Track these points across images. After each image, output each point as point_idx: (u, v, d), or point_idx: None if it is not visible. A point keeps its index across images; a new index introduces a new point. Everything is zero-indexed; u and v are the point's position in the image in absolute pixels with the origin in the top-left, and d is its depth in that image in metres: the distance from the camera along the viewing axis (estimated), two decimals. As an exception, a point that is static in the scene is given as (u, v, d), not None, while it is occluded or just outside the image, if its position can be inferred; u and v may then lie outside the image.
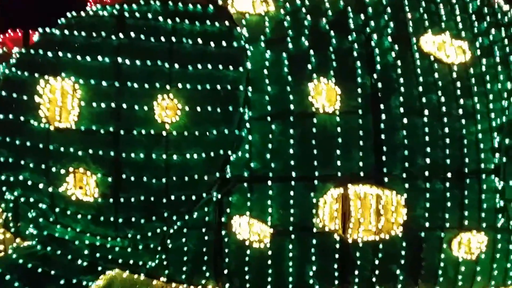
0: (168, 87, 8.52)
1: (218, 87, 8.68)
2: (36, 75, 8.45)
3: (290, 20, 9.51)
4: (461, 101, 9.50)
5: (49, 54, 8.50)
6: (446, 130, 9.30)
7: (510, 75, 9.97)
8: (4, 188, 8.54)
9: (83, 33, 8.52)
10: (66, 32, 8.57)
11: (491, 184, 9.46)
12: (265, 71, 9.18)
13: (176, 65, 8.55)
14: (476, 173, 9.36)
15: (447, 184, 9.22)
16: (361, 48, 9.40)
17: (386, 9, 9.76)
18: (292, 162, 8.95)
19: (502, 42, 10.70)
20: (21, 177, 8.46)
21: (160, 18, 8.72)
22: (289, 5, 9.67)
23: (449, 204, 9.25)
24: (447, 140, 9.29)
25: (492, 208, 9.47)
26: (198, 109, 8.60)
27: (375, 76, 9.26)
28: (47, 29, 8.98)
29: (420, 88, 9.37)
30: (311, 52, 9.28)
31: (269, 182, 8.87)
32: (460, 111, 9.42)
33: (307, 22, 9.52)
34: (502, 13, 11.40)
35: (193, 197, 8.64)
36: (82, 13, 9.00)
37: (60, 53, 8.47)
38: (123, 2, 9.33)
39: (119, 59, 8.50)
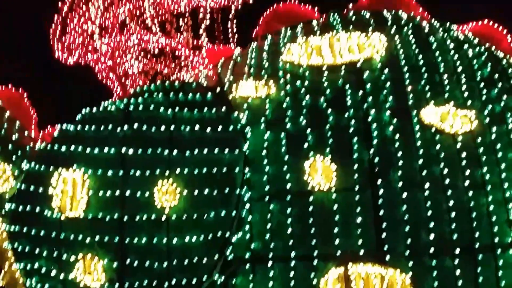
0: (167, 172, 6.96)
1: (215, 170, 6.99)
2: (51, 168, 7.23)
3: (290, 100, 7.62)
4: (468, 172, 7.02)
5: (63, 148, 7.27)
6: (451, 203, 6.86)
7: None
8: (24, 276, 7.21)
9: (93, 127, 7.28)
10: (79, 127, 7.34)
11: (510, 259, 6.81)
12: (264, 152, 7.29)
13: (175, 151, 7.03)
14: (491, 248, 6.79)
15: (457, 261, 6.71)
16: (359, 123, 7.29)
17: (386, 84, 7.61)
18: (291, 242, 6.92)
19: None
20: (36, 265, 7.14)
21: (162, 109, 7.29)
22: (290, 86, 7.77)
23: (461, 282, 6.69)
24: (453, 214, 6.81)
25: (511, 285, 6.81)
26: (196, 192, 6.91)
27: (371, 151, 7.15)
28: (64, 125, 7.60)
29: (421, 161, 7.03)
30: (308, 130, 7.31)
31: (270, 263, 6.91)
32: (467, 182, 6.99)
33: (305, 101, 7.57)
34: None
35: (194, 280, 6.82)
36: (94, 109, 8.27)
37: (73, 147, 7.23)
38: (131, 96, 8.40)
39: (124, 149, 7.10)
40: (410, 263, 6.74)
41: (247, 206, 7.18)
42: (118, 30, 9.87)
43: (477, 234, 6.85)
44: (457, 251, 6.76)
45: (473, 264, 6.77)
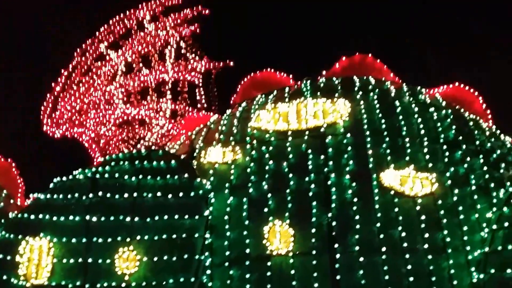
0: (128, 239, 7.02)
1: (175, 236, 7.01)
2: (20, 236, 7.28)
3: (254, 166, 7.76)
4: (427, 235, 6.93)
5: (32, 216, 7.37)
6: (410, 267, 6.74)
7: (492, 203, 7.34)
8: None
9: (61, 195, 7.40)
10: (49, 195, 7.46)
11: None
12: (226, 217, 7.36)
13: (137, 218, 7.11)
14: None
15: None
16: (319, 188, 7.33)
17: (347, 148, 7.76)
18: (250, 308, 6.66)
19: (482, 169, 7.91)
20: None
21: (127, 176, 7.44)
22: (255, 152, 7.93)
23: None
24: (412, 278, 6.69)
25: None
26: (156, 258, 6.92)
27: (330, 215, 7.13)
28: (37, 194, 8.49)
29: (379, 224, 6.98)
30: (270, 195, 7.38)
31: (230, 330, 6.62)
32: (427, 245, 6.88)
33: (269, 166, 7.69)
34: (486, 139, 9.29)
35: None
36: (65, 178, 8.44)
37: (41, 215, 7.33)
38: (99, 165, 8.64)
39: (88, 217, 7.21)
40: (368, 330, 6.57)
41: (208, 272, 7.17)
42: (104, 105, 10.44)
43: (440, 300, 6.66)
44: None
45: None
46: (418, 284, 6.72)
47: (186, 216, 7.22)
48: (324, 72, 9.93)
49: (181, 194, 7.37)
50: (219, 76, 12.58)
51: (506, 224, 6.94)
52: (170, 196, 7.36)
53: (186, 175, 7.52)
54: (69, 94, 10.54)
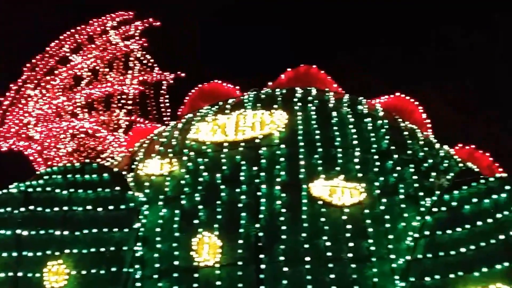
0: (58, 253, 7.02)
1: (103, 249, 7.04)
2: None
3: (189, 177, 7.78)
4: (353, 244, 7.00)
5: None
6: (333, 276, 6.80)
7: (420, 212, 7.38)
8: None
9: None
10: None
11: None
12: (158, 229, 7.35)
13: (67, 232, 7.13)
14: None
15: None
16: (249, 199, 7.38)
17: (280, 159, 7.79)
18: (178, 319, 6.67)
19: (412, 178, 7.89)
20: None
21: (59, 189, 7.44)
22: (192, 164, 7.96)
23: None
24: (334, 287, 6.74)
25: None
26: (84, 272, 6.94)
27: (257, 225, 7.16)
28: None
29: (305, 234, 7.04)
30: (201, 206, 7.42)
31: None
32: (352, 254, 6.95)
33: (203, 178, 7.73)
34: (420, 148, 9.38)
35: None
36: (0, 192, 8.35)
37: None
38: (33, 178, 8.63)
39: (18, 231, 7.17)
40: None
41: (139, 284, 7.17)
42: (50, 119, 10.47)
43: (360, 307, 6.73)
44: (337, 324, 6.63)
45: (357, 338, 6.62)
46: (341, 294, 6.79)
47: (116, 229, 7.24)
48: (270, 83, 10.04)
49: (111, 207, 7.39)
50: (174, 87, 12.68)
51: (427, 232, 7.05)
52: (100, 209, 7.37)
53: (118, 188, 7.54)
54: (18, 107, 10.57)
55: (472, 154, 9.54)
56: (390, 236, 7.24)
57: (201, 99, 10.10)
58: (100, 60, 10.62)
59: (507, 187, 7.08)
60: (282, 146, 8.12)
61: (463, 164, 8.74)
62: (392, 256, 7.08)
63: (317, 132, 8.35)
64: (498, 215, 6.88)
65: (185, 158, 8.25)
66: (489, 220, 6.85)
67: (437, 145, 9.09)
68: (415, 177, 7.94)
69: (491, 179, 7.24)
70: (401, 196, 7.65)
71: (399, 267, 7.02)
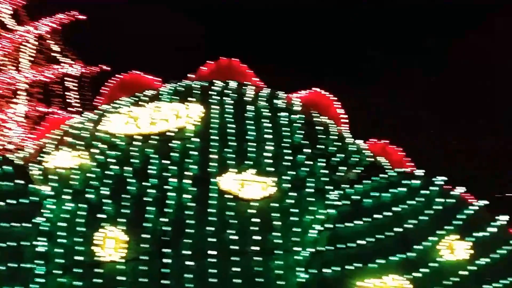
0: None
1: (3, 244, 6.81)
2: None
3: (98, 170, 7.64)
4: (258, 237, 7.06)
5: None
6: (237, 269, 6.86)
7: (327, 205, 7.50)
8: None
9: None
10: None
11: None
12: (64, 223, 7.15)
13: None
14: None
15: None
16: (158, 192, 7.33)
17: (192, 153, 7.78)
18: (81, 315, 6.56)
19: (321, 172, 8.04)
20: None
21: None
22: (101, 156, 7.81)
23: None
24: (240, 280, 6.80)
25: None
26: None
27: (164, 220, 7.13)
28: None
29: (211, 228, 7.07)
30: (108, 201, 7.29)
31: None
32: (256, 247, 7.01)
33: (112, 171, 7.61)
34: (332, 143, 9.65)
35: None
36: None
37: None
38: None
39: None
40: (192, 332, 6.66)
41: (42, 280, 6.99)
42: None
43: (262, 300, 6.86)
44: (239, 317, 6.73)
45: (259, 330, 6.75)
46: (245, 285, 6.88)
47: (16, 224, 7.00)
48: (191, 76, 9.96)
49: (13, 201, 7.14)
50: (99, 80, 12.38)
51: (329, 225, 7.26)
52: (1, 203, 7.11)
53: (20, 181, 7.29)
54: None
55: (384, 148, 9.87)
56: (296, 229, 7.39)
57: (120, 90, 9.90)
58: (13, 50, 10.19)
59: (406, 182, 7.40)
60: (195, 139, 8.11)
61: (372, 159, 9.02)
62: (297, 249, 7.23)
63: (232, 126, 8.39)
64: (396, 209, 7.18)
65: (95, 150, 8.08)
66: (387, 213, 7.13)
67: (350, 140, 9.33)
68: (324, 171, 8.13)
69: (392, 173, 7.54)
70: (310, 190, 7.81)
71: (303, 259, 7.18)
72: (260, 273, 6.99)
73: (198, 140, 8.09)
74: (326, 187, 7.94)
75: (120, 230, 7.13)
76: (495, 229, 7.06)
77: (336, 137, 9.10)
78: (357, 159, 8.81)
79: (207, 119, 8.46)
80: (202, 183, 7.57)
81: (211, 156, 7.86)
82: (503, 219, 7.25)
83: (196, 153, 7.91)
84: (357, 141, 9.47)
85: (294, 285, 7.01)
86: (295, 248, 7.26)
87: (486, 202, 7.46)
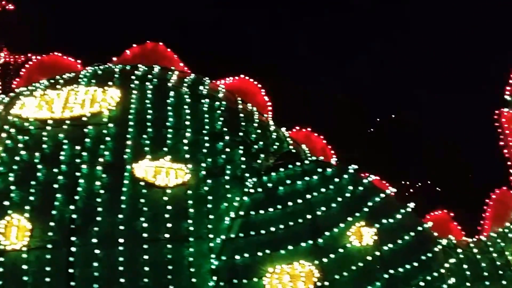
0: None
1: None
2: None
3: (6, 156, 7.34)
4: (171, 225, 7.02)
5: None
6: (146, 256, 6.81)
7: (244, 192, 7.55)
8: None
9: None
10: None
11: None
12: None
13: None
14: None
15: None
16: (67, 179, 7.14)
17: (106, 139, 7.59)
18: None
19: (240, 160, 8.01)
20: None
21: None
22: (11, 141, 7.51)
23: None
24: (147, 268, 6.77)
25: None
26: None
27: (72, 207, 6.96)
28: None
29: (121, 216, 6.96)
30: (13, 187, 7.05)
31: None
32: (168, 235, 6.97)
33: (21, 157, 7.32)
34: (254, 130, 9.67)
35: None
36: None
37: None
38: None
39: None
40: (98, 321, 6.57)
41: None
42: None
43: (174, 287, 6.84)
44: (148, 304, 6.69)
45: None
46: (156, 273, 6.85)
47: None
48: (114, 59, 9.70)
49: None
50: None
51: (242, 212, 7.30)
52: None
53: None
54: None
55: (308, 136, 10.01)
56: (211, 216, 7.39)
57: (39, 72, 9.53)
58: None
59: (319, 170, 7.52)
60: (110, 125, 7.92)
61: (293, 147, 9.11)
62: (211, 236, 7.24)
63: (150, 111, 8.24)
64: (308, 196, 7.30)
65: (4, 135, 7.76)
66: (300, 201, 7.24)
67: (272, 128, 9.38)
68: (243, 158, 8.14)
69: (306, 161, 7.65)
70: (227, 177, 7.81)
71: (216, 246, 7.20)
72: (171, 260, 6.94)
73: (113, 125, 7.90)
74: (245, 174, 7.95)
75: (24, 218, 6.89)
76: (401, 216, 7.30)
77: (259, 125, 9.12)
78: (278, 147, 8.89)
79: (124, 104, 8.27)
80: (115, 170, 7.41)
81: (126, 142, 7.69)
82: (410, 206, 7.51)
83: (109, 139, 7.72)
84: (281, 129, 9.58)
85: (206, 272, 7.02)
86: (209, 236, 7.25)
87: (394, 190, 7.71)
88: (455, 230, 9.07)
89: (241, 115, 9.02)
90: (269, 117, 9.80)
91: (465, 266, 8.28)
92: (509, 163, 9.59)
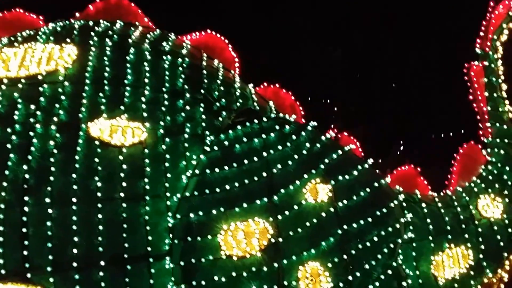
0: None
1: None
2: None
3: None
4: (126, 184, 7.04)
5: None
6: (100, 216, 6.85)
7: (204, 151, 7.51)
8: None
9: None
10: None
11: (164, 267, 6.91)
12: None
13: None
14: (144, 258, 6.87)
15: (105, 273, 6.74)
16: (21, 139, 7.08)
17: (61, 97, 7.48)
18: None
19: (201, 118, 7.89)
20: None
21: None
22: (-39, 101, 7.24)
23: None
24: (101, 227, 6.82)
25: (167, 291, 6.75)
26: None
27: (26, 167, 6.94)
28: None
29: (75, 176, 6.97)
30: (-36, 148, 6.85)
31: None
32: (123, 194, 6.99)
33: (-28, 117, 7.11)
34: (217, 88, 9.53)
35: None
36: None
37: None
38: None
39: None
40: (52, 279, 6.68)
41: None
42: None
43: (130, 245, 6.93)
44: (102, 263, 6.79)
45: (123, 275, 6.84)
46: (110, 231, 6.92)
47: None
48: (77, 14, 9.48)
49: None
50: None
51: (198, 171, 7.30)
52: None
53: None
54: None
55: (277, 93, 9.89)
56: (169, 175, 7.39)
57: (0, 29, 9.33)
58: None
59: (277, 127, 7.47)
60: (66, 83, 7.81)
61: (258, 104, 9.01)
62: (168, 194, 7.27)
63: (108, 69, 8.11)
64: (265, 154, 7.28)
65: (-45, 94, 7.66)
66: (256, 159, 7.23)
67: (238, 84, 9.25)
68: (204, 116, 8.07)
69: (264, 119, 7.58)
70: (186, 136, 7.77)
71: (174, 204, 7.24)
72: (127, 219, 7.00)
73: (69, 84, 7.79)
74: (206, 132, 7.90)
75: (-23, 178, 6.90)
76: (358, 172, 7.30)
77: (223, 82, 9.00)
78: (242, 104, 8.80)
79: (82, 62, 8.13)
80: (69, 129, 7.36)
81: (82, 101, 7.61)
82: (368, 162, 7.50)
83: (65, 98, 7.64)
84: (248, 86, 9.45)
85: (163, 230, 7.10)
86: (167, 194, 7.29)
87: (353, 147, 7.68)
88: (422, 185, 9.12)
89: (204, 72, 8.87)
90: (236, 73, 9.67)
91: (428, 220, 8.36)
92: (478, 117, 9.54)
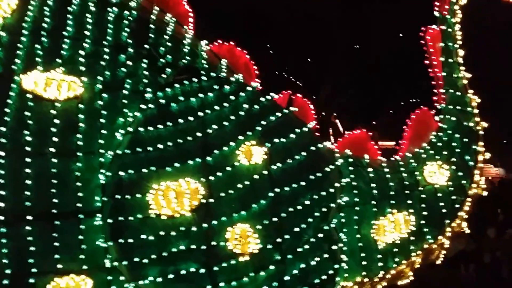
0: None
1: None
2: None
3: None
4: (58, 139, 6.97)
5: None
6: (29, 170, 6.81)
7: (139, 107, 7.33)
8: None
9: None
10: None
11: (94, 224, 6.91)
12: None
13: None
14: (74, 214, 6.86)
15: (33, 228, 6.75)
16: None
17: (-7, 48, 7.11)
18: None
19: (143, 74, 7.69)
20: None
21: None
22: None
23: (37, 248, 6.75)
24: (29, 181, 6.80)
25: (96, 249, 6.90)
26: None
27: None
28: None
29: (4, 129, 6.87)
30: None
31: None
32: (54, 149, 6.93)
33: None
34: (164, 43, 8.95)
35: None
36: None
37: None
38: None
39: None
40: (-22, 233, 6.68)
41: None
42: None
43: (59, 201, 6.91)
44: (30, 217, 6.78)
45: (51, 230, 6.85)
46: (39, 186, 6.89)
47: None
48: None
49: None
50: None
51: (131, 129, 7.21)
52: None
53: None
54: None
55: (232, 51, 9.67)
56: (104, 131, 7.30)
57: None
58: None
59: (216, 87, 7.34)
60: (3, 33, 7.59)
61: (207, 62, 8.81)
62: (102, 151, 7.20)
63: (48, 20, 7.87)
64: (201, 114, 7.18)
65: None
66: (192, 119, 7.12)
67: (188, 41, 9.01)
68: (147, 72, 7.90)
69: (204, 78, 7.43)
70: (126, 92, 7.63)
71: (107, 161, 7.18)
72: (57, 174, 6.95)
73: (5, 34, 7.57)
74: (147, 89, 7.76)
75: None
76: (296, 135, 7.23)
77: (172, 37, 8.76)
78: (190, 62, 8.60)
79: (22, 12, 7.86)
80: (2, 81, 7.21)
81: (17, 52, 7.41)
82: (308, 125, 7.42)
83: (1, 48, 7.43)
84: (201, 42, 9.21)
85: (95, 186, 7.06)
86: (100, 151, 7.21)
87: (295, 109, 7.58)
88: (372, 150, 9.07)
89: (152, 26, 8.61)
90: (189, 29, 9.42)
91: (373, 185, 8.37)
92: (433, 82, 9.42)
